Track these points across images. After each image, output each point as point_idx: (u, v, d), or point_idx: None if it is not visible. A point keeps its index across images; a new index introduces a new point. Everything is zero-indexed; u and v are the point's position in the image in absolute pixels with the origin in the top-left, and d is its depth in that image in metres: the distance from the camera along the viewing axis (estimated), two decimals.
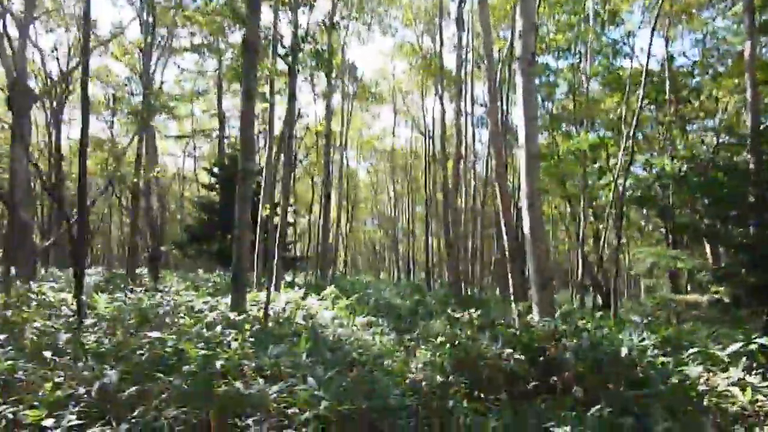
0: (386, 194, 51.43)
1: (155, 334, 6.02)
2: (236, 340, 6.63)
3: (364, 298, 17.18)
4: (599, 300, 24.89)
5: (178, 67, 38.86)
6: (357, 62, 53.01)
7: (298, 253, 30.53)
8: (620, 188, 17.35)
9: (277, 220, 14.42)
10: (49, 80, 27.63)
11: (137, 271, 20.52)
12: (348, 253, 58.61)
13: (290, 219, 13.86)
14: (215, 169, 22.44)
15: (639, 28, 24.90)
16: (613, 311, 16.44)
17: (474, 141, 38.08)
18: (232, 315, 8.36)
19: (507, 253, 10.57)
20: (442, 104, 28.27)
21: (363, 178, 56.73)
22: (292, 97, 13.70)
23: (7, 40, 17.40)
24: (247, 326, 7.37)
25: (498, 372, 7.78)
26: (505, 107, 20.45)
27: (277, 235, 13.46)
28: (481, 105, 39.21)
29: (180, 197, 36.85)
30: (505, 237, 10.63)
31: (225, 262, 20.61)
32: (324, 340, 8.92)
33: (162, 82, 38.45)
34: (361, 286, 23.21)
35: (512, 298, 10.54)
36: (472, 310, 11.03)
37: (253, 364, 6.08)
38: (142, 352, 5.71)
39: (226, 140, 31.72)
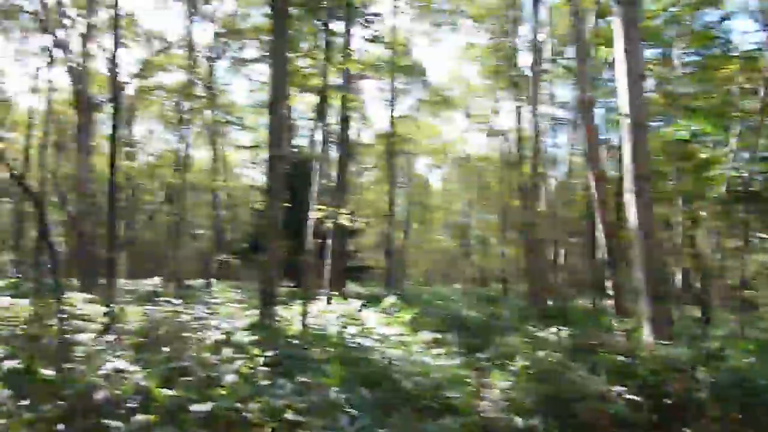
0: (458, 202, 49.06)
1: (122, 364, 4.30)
2: (241, 371, 4.82)
3: (431, 310, 15.14)
4: (699, 315, 21.73)
5: (249, 78, 38.52)
6: (428, 67, 51.11)
7: (366, 263, 28.93)
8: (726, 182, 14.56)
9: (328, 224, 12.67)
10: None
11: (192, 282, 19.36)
12: (421, 264, 56.55)
13: (347, 222, 12.15)
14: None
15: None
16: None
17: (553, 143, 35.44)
18: (245, 335, 6.59)
19: (605, 254, 8.29)
20: (518, 108, 26.04)
21: (435, 186, 54.70)
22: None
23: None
24: (256, 351, 5.54)
25: (602, 416, 5.56)
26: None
27: (330, 240, 11.70)
28: (560, 106, 36.48)
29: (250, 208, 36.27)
30: (600, 236, 8.35)
31: (285, 270, 19.22)
32: (371, 364, 7.01)
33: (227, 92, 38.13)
34: (431, 296, 21.14)
35: (612, 311, 8.24)
36: (561, 327, 8.81)
37: (254, 406, 4.24)
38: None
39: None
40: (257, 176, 25.45)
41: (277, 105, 7.58)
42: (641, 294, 6.55)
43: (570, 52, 33.08)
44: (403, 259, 39.41)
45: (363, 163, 41.96)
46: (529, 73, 27.24)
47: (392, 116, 19.93)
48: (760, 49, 16.93)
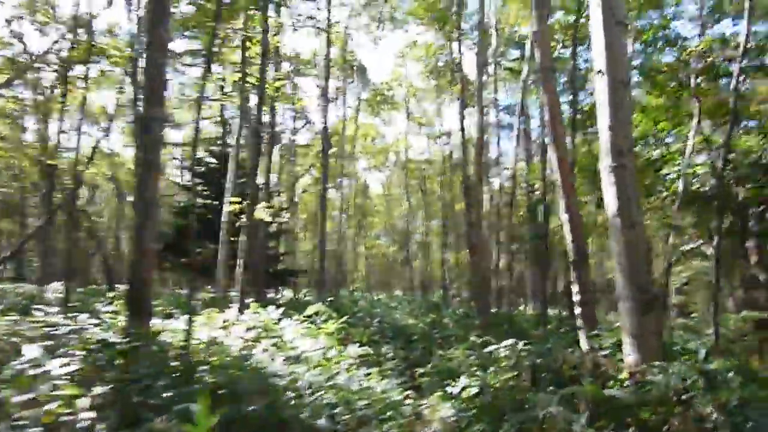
0: (400, 206, 47.63)
1: None
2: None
3: (365, 319, 13.44)
4: None
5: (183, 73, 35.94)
6: (369, 66, 49.43)
7: (297, 267, 26.71)
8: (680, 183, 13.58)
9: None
10: None
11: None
12: (358, 270, 54.84)
13: (264, 217, 10.39)
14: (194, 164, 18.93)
15: None
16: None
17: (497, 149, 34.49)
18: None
19: (573, 252, 6.78)
20: (461, 108, 24.82)
21: (375, 190, 53.20)
22: (264, 33, 10.13)
23: None
24: (73, 391, 3.65)
25: None
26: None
27: (245, 238, 9.83)
28: (504, 111, 35.64)
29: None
30: (566, 229, 6.84)
31: (207, 275, 17.11)
32: (273, 395, 5.21)
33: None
34: (367, 304, 19.42)
35: (579, 323, 6.73)
36: (513, 341, 7.25)
37: None
38: None
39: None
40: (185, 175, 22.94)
41: (154, 52, 5.73)
42: (622, 300, 5.04)
43: (514, 53, 32.38)
44: (341, 264, 37.56)
45: (303, 164, 40.01)
46: (473, 72, 26.16)
47: (325, 108, 18.12)
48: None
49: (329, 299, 16.67)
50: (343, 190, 41.43)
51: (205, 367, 5.43)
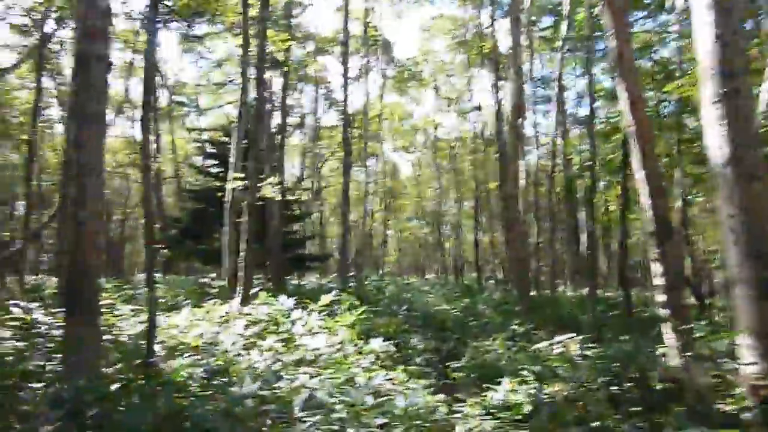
0: (431, 187, 45.98)
1: None
2: None
3: (392, 306, 12.05)
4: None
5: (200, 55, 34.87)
6: (395, 42, 46.90)
7: (316, 252, 25.15)
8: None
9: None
10: None
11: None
12: (389, 254, 53.53)
13: (270, 195, 9.13)
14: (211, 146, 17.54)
15: None
16: None
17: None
18: None
19: (653, 222, 5.20)
20: (495, 81, 23.12)
21: (405, 172, 51.66)
22: None
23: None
24: None
25: None
26: None
27: (246, 218, 8.51)
28: (539, 83, 33.49)
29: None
30: (643, 191, 5.23)
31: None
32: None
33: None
34: (397, 289, 18.02)
35: (663, 313, 5.17)
36: (571, 337, 5.72)
37: None
38: None
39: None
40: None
41: None
42: (738, 284, 3.53)
43: (547, 21, 30.28)
44: (370, 249, 36.26)
45: (330, 146, 38.70)
46: (504, 42, 24.39)
47: (345, 86, 16.64)
48: None
49: (353, 285, 15.36)
50: (370, 171, 40.05)
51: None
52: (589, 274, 13.02)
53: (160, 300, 12.21)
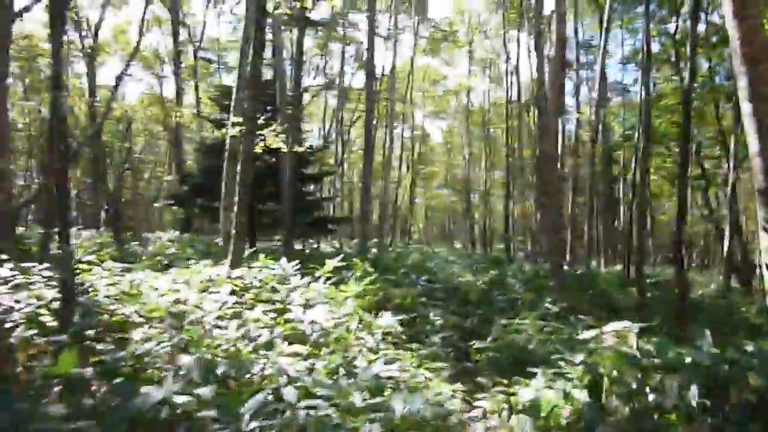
0: (461, 155, 44.27)
1: None
2: None
3: (410, 275, 10.86)
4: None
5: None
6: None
7: (335, 214, 23.69)
8: None
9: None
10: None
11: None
12: (417, 222, 52.29)
13: (275, 144, 8.01)
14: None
15: None
16: None
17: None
18: None
19: (761, 178, 3.82)
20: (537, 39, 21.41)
21: (436, 139, 50.01)
22: None
23: None
24: None
25: None
26: None
27: (244, 167, 7.34)
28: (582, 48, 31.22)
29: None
30: (753, 137, 3.80)
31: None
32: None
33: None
34: (420, 257, 16.82)
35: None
36: (628, 326, 4.41)
37: None
38: None
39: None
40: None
41: None
42: None
43: None
44: (395, 215, 35.06)
45: (359, 108, 37.27)
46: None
47: (371, 38, 15.18)
48: None
49: (374, 251, 14.20)
50: (399, 136, 38.60)
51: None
52: (635, 250, 11.46)
53: (158, 258, 11.28)
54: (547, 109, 10.01)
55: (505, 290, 10.83)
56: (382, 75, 30.85)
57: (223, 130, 15.23)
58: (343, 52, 31.55)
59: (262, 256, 7.76)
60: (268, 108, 13.96)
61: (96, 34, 27.22)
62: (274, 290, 6.75)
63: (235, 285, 6.60)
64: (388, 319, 6.83)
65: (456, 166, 46.79)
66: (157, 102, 34.50)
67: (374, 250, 14.80)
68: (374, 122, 16.51)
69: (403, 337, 7.26)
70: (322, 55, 36.03)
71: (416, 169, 40.17)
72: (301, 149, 11.82)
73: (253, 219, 13.76)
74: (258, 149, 8.53)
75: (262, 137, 8.08)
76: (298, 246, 16.99)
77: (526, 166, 31.82)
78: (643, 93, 13.77)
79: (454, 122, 45.81)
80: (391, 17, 28.56)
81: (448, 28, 33.74)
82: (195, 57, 32.78)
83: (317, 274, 7.97)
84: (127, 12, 38.17)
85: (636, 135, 23.81)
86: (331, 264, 7.84)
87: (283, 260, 7.94)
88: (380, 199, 28.02)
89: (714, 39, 19.83)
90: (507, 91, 29.69)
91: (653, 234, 29.81)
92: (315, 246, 17.99)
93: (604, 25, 16.13)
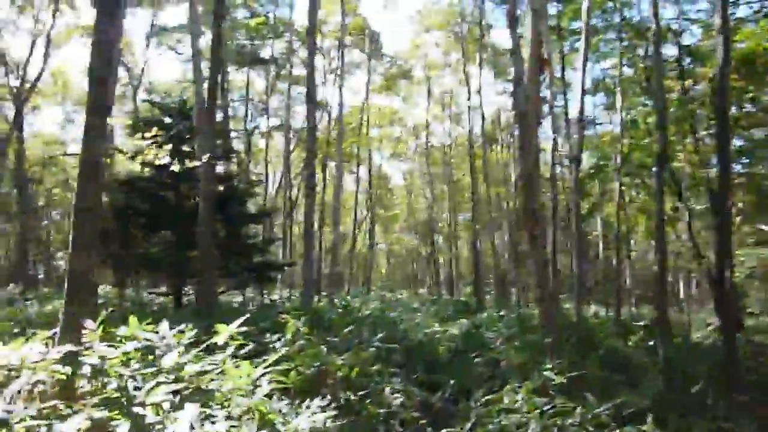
0: (423, 197, 42.15)
1: None
2: None
3: (362, 333, 8.23)
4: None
5: None
6: (384, 37, 42.37)
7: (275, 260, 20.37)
8: None
9: None
10: None
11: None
12: (380, 268, 49.73)
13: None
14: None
15: None
16: None
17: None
18: None
19: None
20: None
21: (397, 182, 47.96)
22: None
23: None
24: None
25: None
26: None
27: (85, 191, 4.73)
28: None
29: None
30: None
31: (168, 271, 12.06)
32: None
33: None
34: (377, 306, 14.20)
35: None
36: None
37: None
38: None
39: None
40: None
41: None
42: None
43: None
44: (352, 261, 32.46)
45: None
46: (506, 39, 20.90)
47: (311, 63, 12.82)
48: None
49: (324, 302, 11.52)
50: (353, 179, 36.32)
51: None
52: (656, 292, 8.82)
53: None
54: (525, 116, 7.76)
55: (482, 348, 8.27)
56: (334, 116, 28.87)
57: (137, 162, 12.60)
58: (288, 90, 29.44)
59: (134, 320, 5.06)
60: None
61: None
62: (120, 377, 4.09)
63: (54, 372, 3.93)
64: (306, 418, 4.22)
65: (418, 210, 44.66)
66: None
67: (321, 303, 12.18)
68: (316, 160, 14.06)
69: None
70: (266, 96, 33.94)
71: (376, 213, 37.87)
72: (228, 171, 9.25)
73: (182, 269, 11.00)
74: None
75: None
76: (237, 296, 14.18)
77: (493, 204, 29.84)
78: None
79: (415, 164, 43.89)
80: (339, 49, 26.61)
81: (404, 63, 32.12)
82: (134, 99, 30.35)
83: (216, 341, 5.29)
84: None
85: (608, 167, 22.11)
86: (224, 331, 5.17)
87: (165, 325, 5.27)
88: (330, 245, 25.42)
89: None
90: (469, 121, 27.79)
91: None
92: (256, 297, 15.20)
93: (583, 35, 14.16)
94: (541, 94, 9.50)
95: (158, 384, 4.05)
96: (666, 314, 7.31)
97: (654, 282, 7.97)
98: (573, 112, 19.39)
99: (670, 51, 19.81)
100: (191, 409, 3.67)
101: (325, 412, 5.01)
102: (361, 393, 6.18)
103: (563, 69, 21.70)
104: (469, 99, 28.57)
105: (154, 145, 11.75)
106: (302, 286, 16.42)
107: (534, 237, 7.33)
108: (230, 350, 5.68)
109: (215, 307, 8.94)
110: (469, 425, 5.65)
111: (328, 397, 6.03)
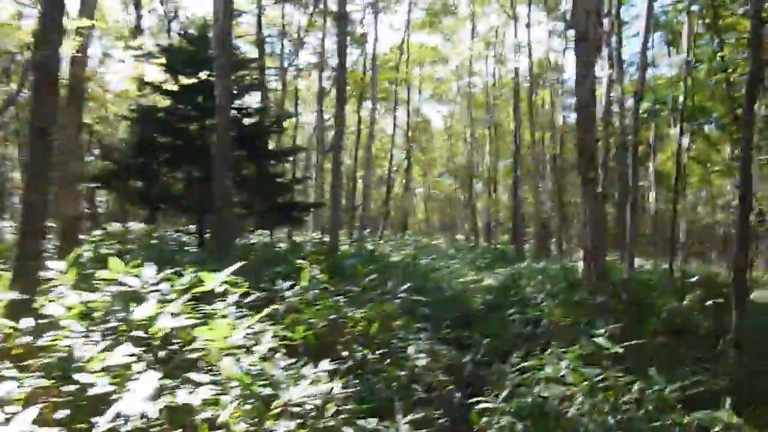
0: (464, 141, 40.55)
1: None
2: None
3: (388, 281, 7.40)
4: None
5: None
6: None
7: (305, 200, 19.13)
8: None
9: None
10: None
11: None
12: (417, 212, 48.84)
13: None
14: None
15: None
16: None
17: None
18: None
19: None
20: None
21: (437, 125, 46.35)
22: None
23: None
24: None
25: None
26: None
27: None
28: None
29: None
30: None
31: (189, 209, 11.50)
32: None
33: None
34: (412, 254, 13.37)
35: None
36: None
37: None
38: None
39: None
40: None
41: None
42: None
43: None
44: (388, 204, 31.62)
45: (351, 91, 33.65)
46: None
47: None
48: None
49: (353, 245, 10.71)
50: (398, 121, 35.02)
51: None
52: (738, 241, 7.56)
53: None
54: (585, 35, 6.52)
55: (521, 303, 7.37)
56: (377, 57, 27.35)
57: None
58: (324, 24, 27.98)
59: (117, 261, 4.33)
60: None
61: None
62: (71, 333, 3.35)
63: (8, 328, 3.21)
64: (312, 385, 3.42)
65: (458, 154, 43.17)
66: None
67: (346, 247, 11.39)
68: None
69: (350, 406, 3.88)
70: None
71: (415, 156, 36.69)
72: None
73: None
74: None
75: None
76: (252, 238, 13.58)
77: (537, 150, 28.31)
78: None
79: (456, 107, 42.11)
80: None
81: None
82: (168, 33, 29.31)
83: (208, 287, 4.52)
84: None
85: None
86: (221, 275, 4.37)
87: (150, 267, 4.53)
88: (374, 188, 24.57)
89: None
90: (516, 61, 25.99)
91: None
92: (269, 238, 14.52)
93: None
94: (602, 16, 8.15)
95: (118, 342, 3.30)
96: (745, 272, 6.18)
97: (736, 226, 6.76)
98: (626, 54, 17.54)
99: None
100: (150, 378, 2.90)
101: (334, 375, 4.24)
102: (380, 351, 5.41)
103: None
104: (516, 36, 26.66)
105: (170, 74, 10.89)
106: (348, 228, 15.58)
107: (588, 181, 6.26)
108: (232, 299, 4.98)
109: (231, 248, 8.25)
110: (503, 394, 4.81)
111: (342, 355, 5.29)
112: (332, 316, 5.63)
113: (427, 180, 45.92)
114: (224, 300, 4.84)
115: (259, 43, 30.16)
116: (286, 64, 33.79)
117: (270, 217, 11.95)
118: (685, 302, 8.31)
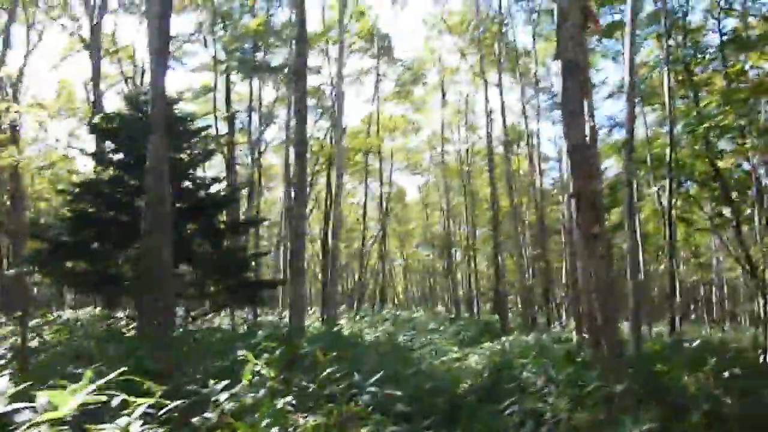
0: (439, 212, 39.76)
1: None
2: None
3: (354, 370, 6.01)
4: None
5: None
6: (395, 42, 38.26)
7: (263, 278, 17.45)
8: None
9: None
10: None
11: None
12: (396, 285, 47.35)
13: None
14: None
15: None
16: None
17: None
18: None
19: None
20: None
21: (412, 196, 45.76)
22: None
23: None
24: None
25: None
26: None
27: None
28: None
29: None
30: None
31: (130, 290, 9.98)
32: None
33: None
34: (389, 330, 11.91)
35: None
36: None
37: None
38: None
39: None
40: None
41: None
42: None
43: None
44: (363, 279, 30.23)
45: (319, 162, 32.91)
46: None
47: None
48: None
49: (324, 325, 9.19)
50: (372, 193, 34.23)
51: None
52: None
53: None
54: (575, 65, 5.54)
55: (520, 392, 5.97)
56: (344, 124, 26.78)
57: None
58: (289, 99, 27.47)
59: None
60: None
61: None
62: None
63: None
64: None
65: (434, 223, 42.32)
66: None
67: (314, 328, 9.89)
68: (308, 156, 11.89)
69: None
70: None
71: (391, 228, 35.66)
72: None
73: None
74: None
75: None
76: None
77: (516, 216, 27.45)
78: None
79: (430, 176, 41.65)
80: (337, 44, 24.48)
81: (416, 67, 30.13)
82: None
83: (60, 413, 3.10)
84: None
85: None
86: (87, 389, 2.98)
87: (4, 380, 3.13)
88: (349, 262, 23.21)
89: None
90: (488, 126, 25.55)
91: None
92: (248, 319, 12.98)
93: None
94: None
95: None
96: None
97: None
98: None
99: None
100: None
101: None
102: None
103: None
104: (487, 100, 26.35)
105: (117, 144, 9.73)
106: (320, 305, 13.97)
107: (592, 238, 5.08)
108: (138, 412, 3.53)
109: (164, 336, 6.79)
110: None
111: None
112: (276, 427, 4.18)
113: (405, 251, 44.76)
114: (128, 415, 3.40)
115: (229, 119, 29.58)
116: (254, 138, 33.05)
117: (224, 298, 10.54)
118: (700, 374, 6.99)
